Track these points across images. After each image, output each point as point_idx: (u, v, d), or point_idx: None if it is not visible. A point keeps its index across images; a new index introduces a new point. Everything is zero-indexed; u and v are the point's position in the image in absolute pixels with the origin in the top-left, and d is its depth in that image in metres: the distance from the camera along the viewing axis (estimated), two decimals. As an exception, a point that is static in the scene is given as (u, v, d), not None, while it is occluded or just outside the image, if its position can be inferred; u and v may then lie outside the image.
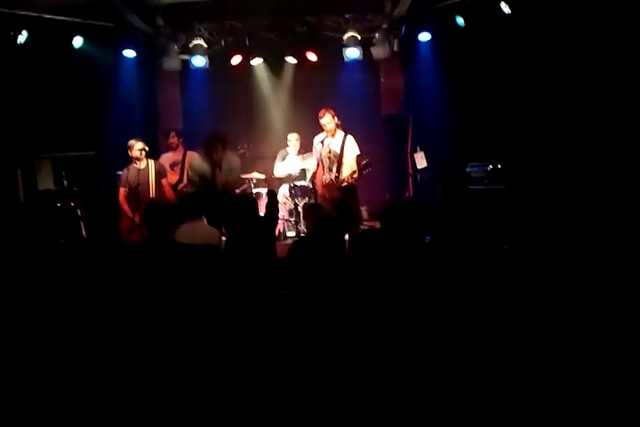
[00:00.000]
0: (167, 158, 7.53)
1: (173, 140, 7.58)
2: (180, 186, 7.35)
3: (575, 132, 7.13)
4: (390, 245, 3.21)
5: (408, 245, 3.22)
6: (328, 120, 7.03)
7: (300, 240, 4.60)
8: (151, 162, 6.93)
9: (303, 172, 8.18)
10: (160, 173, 6.96)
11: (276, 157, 8.28)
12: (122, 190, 6.87)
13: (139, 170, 6.81)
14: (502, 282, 3.08)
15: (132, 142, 6.82)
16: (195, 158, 6.80)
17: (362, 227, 7.28)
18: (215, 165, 6.54)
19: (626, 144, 6.63)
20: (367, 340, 2.41)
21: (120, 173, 7.04)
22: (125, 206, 6.79)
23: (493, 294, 2.88)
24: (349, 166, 7.04)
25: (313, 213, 5.22)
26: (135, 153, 6.78)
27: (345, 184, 6.97)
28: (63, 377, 2.32)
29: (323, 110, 7.07)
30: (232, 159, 6.75)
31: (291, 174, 8.17)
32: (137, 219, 6.51)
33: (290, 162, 8.21)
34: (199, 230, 4.84)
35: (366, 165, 6.80)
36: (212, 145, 6.51)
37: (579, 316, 2.61)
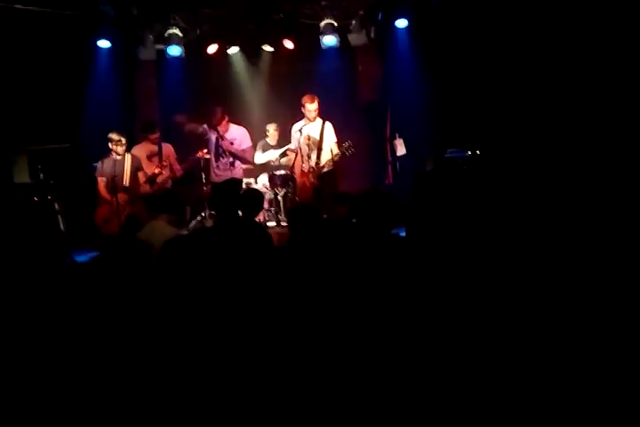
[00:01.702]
0: (143, 149, 7.49)
1: (157, 135, 7.54)
2: (160, 178, 7.32)
3: (553, 117, 7.16)
4: (361, 234, 3.19)
5: (381, 236, 3.20)
6: (315, 106, 7.03)
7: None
8: (128, 155, 6.98)
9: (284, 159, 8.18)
10: (137, 167, 7.03)
11: (255, 146, 8.26)
12: (100, 180, 6.98)
13: (115, 161, 6.86)
14: (478, 269, 3.07)
15: (112, 135, 6.87)
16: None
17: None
18: (218, 134, 7.32)
19: (606, 127, 6.66)
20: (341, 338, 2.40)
21: (95, 164, 7.06)
22: (106, 195, 6.84)
23: (471, 284, 2.87)
24: (329, 152, 7.06)
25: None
26: (115, 146, 6.84)
27: (326, 169, 7.00)
28: (52, 379, 2.30)
29: (310, 96, 7.04)
30: (235, 129, 7.42)
31: (271, 161, 8.18)
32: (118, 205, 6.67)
33: (270, 153, 8.24)
34: (157, 229, 4.74)
35: (349, 147, 6.83)
36: (213, 117, 7.27)
37: (569, 310, 2.61)
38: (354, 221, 4.83)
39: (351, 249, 3.07)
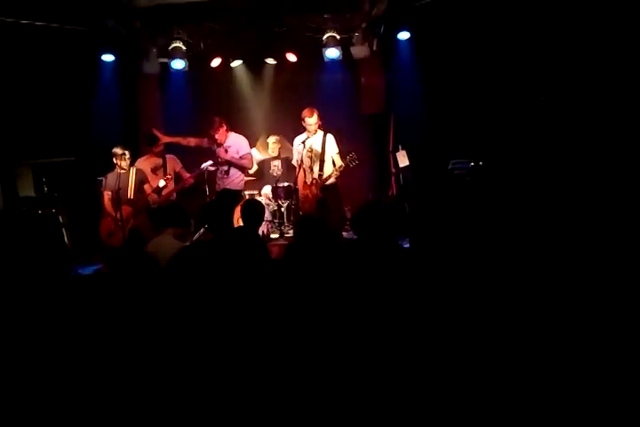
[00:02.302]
0: (147, 162, 7.52)
1: (160, 148, 7.56)
2: (165, 191, 7.32)
3: (555, 127, 7.16)
4: (365, 248, 3.18)
5: (384, 248, 3.19)
6: (315, 120, 7.03)
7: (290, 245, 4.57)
8: (132, 168, 7.00)
9: (287, 172, 8.19)
10: (142, 180, 7.04)
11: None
12: (106, 194, 6.98)
13: (119, 175, 6.89)
14: (484, 282, 3.06)
15: (116, 150, 6.92)
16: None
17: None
18: (217, 143, 7.29)
19: (607, 136, 6.66)
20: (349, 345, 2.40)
21: (100, 178, 7.10)
22: (110, 209, 6.85)
23: (477, 296, 2.86)
24: (331, 164, 7.09)
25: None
26: (119, 161, 6.91)
27: (329, 181, 7.01)
28: (54, 382, 2.29)
29: (309, 110, 7.04)
30: (234, 137, 7.37)
31: (273, 171, 8.22)
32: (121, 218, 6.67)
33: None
34: (164, 244, 4.72)
35: (353, 159, 6.83)
36: (212, 126, 7.24)
37: (573, 319, 2.59)
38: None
39: (354, 260, 3.07)
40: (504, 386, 2.23)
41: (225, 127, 7.30)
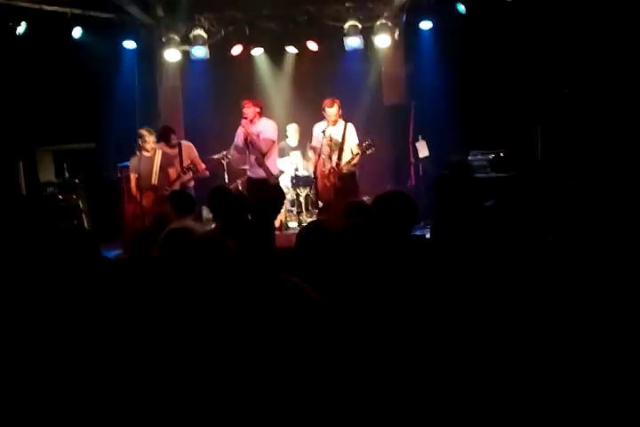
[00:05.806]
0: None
1: (175, 140, 7.49)
2: (184, 178, 7.31)
3: (578, 119, 7.10)
4: (385, 236, 3.14)
5: (403, 237, 3.16)
6: (335, 111, 6.95)
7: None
8: (159, 151, 6.96)
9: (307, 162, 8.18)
10: (164, 164, 6.97)
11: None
12: (133, 176, 6.94)
13: (142, 158, 6.83)
14: (505, 274, 3.03)
15: (142, 131, 6.90)
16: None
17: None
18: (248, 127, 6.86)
19: (628, 130, 6.60)
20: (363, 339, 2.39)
21: (120, 164, 7.13)
22: (136, 192, 6.81)
23: (492, 291, 2.83)
24: (350, 154, 7.04)
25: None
26: (144, 143, 6.85)
27: (346, 170, 6.95)
28: (59, 378, 2.31)
29: (330, 101, 6.97)
30: (265, 123, 6.97)
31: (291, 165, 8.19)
32: (143, 205, 6.65)
33: (288, 159, 8.24)
34: (188, 227, 4.73)
35: (369, 145, 6.78)
36: (244, 110, 6.84)
37: (582, 317, 2.56)
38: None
39: (374, 250, 3.04)
40: (511, 382, 2.22)
41: (255, 107, 6.95)
